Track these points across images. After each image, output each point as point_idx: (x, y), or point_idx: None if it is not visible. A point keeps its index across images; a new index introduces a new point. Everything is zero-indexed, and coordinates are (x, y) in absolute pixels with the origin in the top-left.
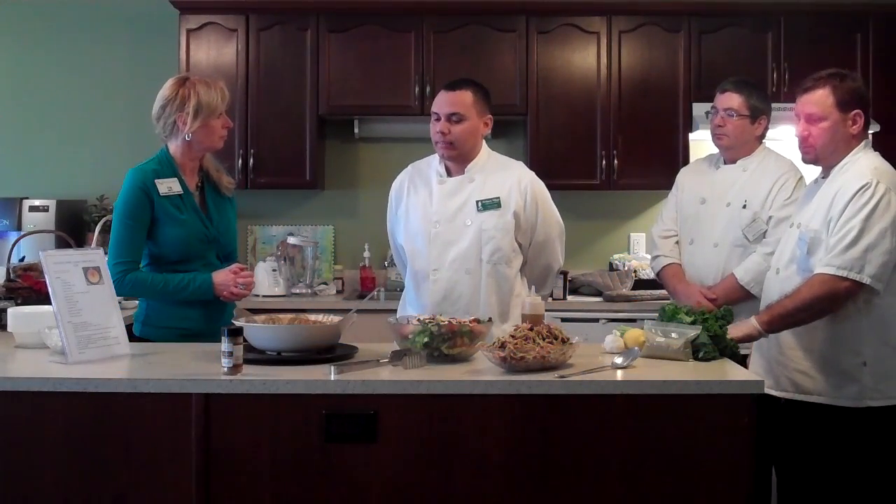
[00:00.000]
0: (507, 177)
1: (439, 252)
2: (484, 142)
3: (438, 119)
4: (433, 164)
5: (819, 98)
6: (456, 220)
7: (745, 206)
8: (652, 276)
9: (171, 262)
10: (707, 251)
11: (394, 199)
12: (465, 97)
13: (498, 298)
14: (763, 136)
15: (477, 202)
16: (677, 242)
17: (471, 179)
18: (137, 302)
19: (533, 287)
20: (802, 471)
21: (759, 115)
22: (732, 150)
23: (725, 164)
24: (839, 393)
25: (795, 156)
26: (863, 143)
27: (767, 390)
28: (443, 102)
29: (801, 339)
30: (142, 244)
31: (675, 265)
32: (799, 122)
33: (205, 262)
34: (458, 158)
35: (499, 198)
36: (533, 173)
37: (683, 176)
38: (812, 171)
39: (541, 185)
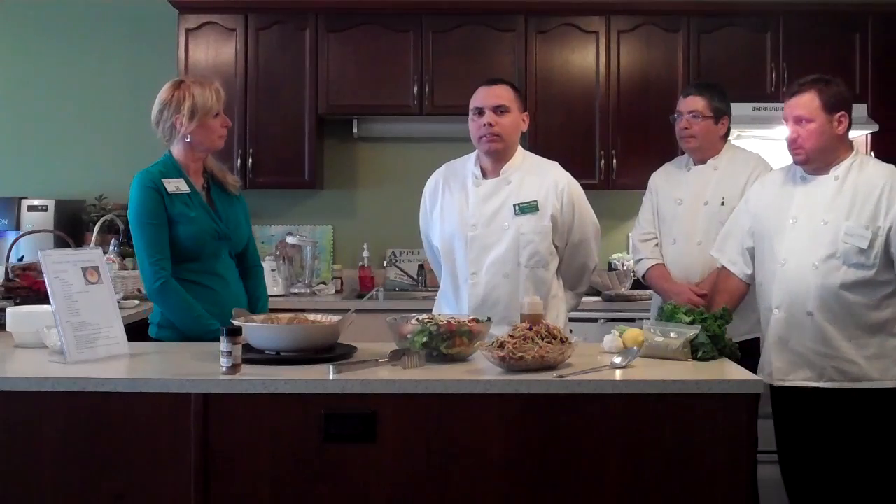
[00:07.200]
0: (544, 179)
1: (477, 256)
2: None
3: (480, 114)
4: (468, 164)
5: (806, 101)
6: (493, 224)
7: (723, 203)
8: None
9: (184, 259)
10: (691, 250)
11: (428, 199)
12: (507, 91)
13: None
14: (727, 135)
15: (514, 206)
16: (657, 245)
17: (507, 181)
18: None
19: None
20: (865, 457)
21: (721, 115)
22: (700, 151)
23: (695, 164)
24: (887, 375)
25: (788, 156)
26: (853, 142)
27: (807, 382)
28: (487, 96)
29: (845, 328)
30: (167, 242)
31: (661, 266)
32: (788, 124)
33: (218, 260)
34: (502, 153)
35: (536, 201)
36: (569, 174)
37: (656, 179)
38: (779, 162)
39: (577, 187)
